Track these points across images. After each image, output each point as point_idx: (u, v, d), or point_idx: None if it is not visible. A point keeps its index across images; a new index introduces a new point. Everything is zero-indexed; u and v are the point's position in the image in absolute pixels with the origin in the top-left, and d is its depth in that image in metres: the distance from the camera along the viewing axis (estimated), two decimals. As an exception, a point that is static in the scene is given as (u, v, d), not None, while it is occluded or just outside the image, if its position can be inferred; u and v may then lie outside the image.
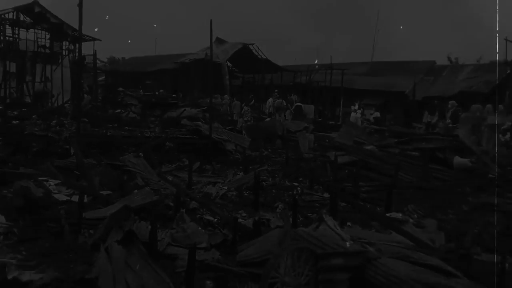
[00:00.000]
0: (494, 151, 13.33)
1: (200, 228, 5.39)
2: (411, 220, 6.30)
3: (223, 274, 3.78)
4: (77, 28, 11.13)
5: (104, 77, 32.43)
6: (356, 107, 21.64)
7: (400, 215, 6.75)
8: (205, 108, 15.77)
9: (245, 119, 19.03)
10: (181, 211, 5.62)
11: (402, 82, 25.15)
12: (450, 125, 15.89)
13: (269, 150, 13.84)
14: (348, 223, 5.54)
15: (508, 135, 15.13)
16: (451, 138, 12.18)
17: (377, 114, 22.70)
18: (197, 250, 4.67)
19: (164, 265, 4.43)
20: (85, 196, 6.11)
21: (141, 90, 24.53)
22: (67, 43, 27.30)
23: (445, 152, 11.37)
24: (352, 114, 21.31)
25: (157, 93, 23.74)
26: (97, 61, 23.65)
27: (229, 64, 31.12)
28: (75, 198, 6.26)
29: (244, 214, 6.58)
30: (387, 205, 7.07)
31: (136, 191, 6.98)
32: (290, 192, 8.17)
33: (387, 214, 6.72)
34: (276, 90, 22.99)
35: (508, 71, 20.04)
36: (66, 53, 27.38)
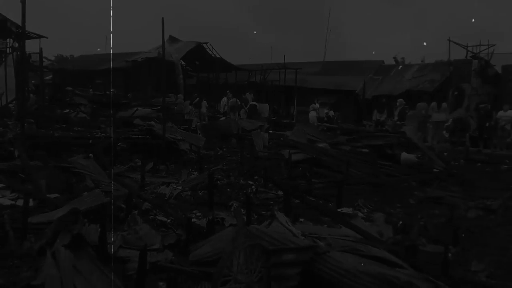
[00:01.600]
0: (439, 147, 14.08)
1: (152, 229, 5.31)
2: (360, 214, 6.52)
3: (176, 275, 3.74)
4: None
5: (51, 76, 31.05)
6: (317, 105, 22.04)
7: (351, 209, 6.98)
8: (159, 107, 15.51)
9: (191, 117, 18.91)
10: (133, 213, 5.51)
11: (353, 81, 25.89)
12: (398, 123, 16.58)
13: (224, 149, 13.84)
14: (301, 219, 5.65)
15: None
16: (399, 135, 12.73)
17: (332, 112, 23.28)
18: (150, 251, 4.61)
19: (115, 268, 4.33)
20: (31, 199, 5.85)
21: (91, 89, 23.74)
22: (11, 40, 25.87)
23: (393, 148, 11.87)
24: (312, 112, 21.67)
25: (108, 92, 23.06)
26: (44, 59, 22.61)
27: (183, 63, 30.74)
28: (20, 202, 5.98)
29: (199, 214, 6.56)
30: (338, 201, 7.27)
31: (85, 193, 6.76)
32: (244, 191, 8.21)
33: (339, 209, 6.93)
34: (228, 91, 23.03)
35: (451, 70, 21.11)
36: (10, 51, 25.95)
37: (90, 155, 8.90)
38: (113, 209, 6.25)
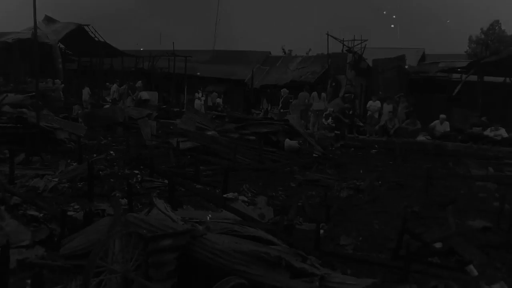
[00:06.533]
0: (318, 134, 15.14)
1: (21, 224, 4.87)
2: (242, 198, 6.76)
3: (46, 271, 3.50)
4: None
5: None
6: (200, 94, 22.08)
7: (236, 194, 7.20)
8: (33, 93, 14.13)
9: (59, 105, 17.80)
10: (-2, 208, 4.99)
11: (242, 70, 26.45)
12: (282, 111, 17.42)
13: (109, 138, 13.20)
14: (185, 206, 5.67)
15: (330, 120, 17.24)
16: (283, 122, 13.40)
17: (220, 100, 23.52)
18: (18, 248, 4.24)
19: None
20: None
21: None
22: None
23: (278, 135, 12.49)
24: (196, 101, 21.69)
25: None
26: None
27: (61, 46, 28.32)
28: None
29: (77, 207, 6.19)
30: (224, 187, 7.43)
31: None
32: (130, 180, 7.94)
33: (224, 195, 7.09)
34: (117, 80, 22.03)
35: (329, 63, 22.71)
36: None
37: None
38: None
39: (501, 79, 20.82)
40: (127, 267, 3.15)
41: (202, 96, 21.83)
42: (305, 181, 8.92)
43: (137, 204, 6.27)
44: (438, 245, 5.35)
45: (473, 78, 19.10)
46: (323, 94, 17.47)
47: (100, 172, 8.31)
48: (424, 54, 26.71)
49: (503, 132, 14.09)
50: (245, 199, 7.19)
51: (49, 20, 27.95)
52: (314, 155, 11.57)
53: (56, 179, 7.59)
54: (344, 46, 21.87)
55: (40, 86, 13.84)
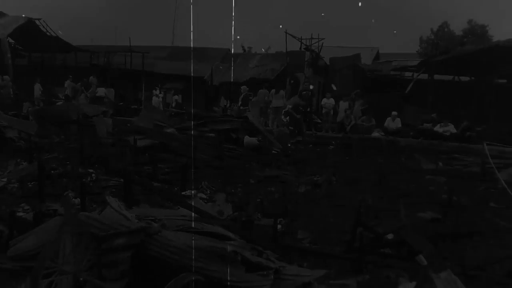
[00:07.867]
0: (277, 130, 15.29)
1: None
2: (201, 195, 6.74)
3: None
4: None
5: None
6: (158, 91, 21.75)
7: (195, 191, 7.16)
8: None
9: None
10: None
11: (201, 67, 26.18)
12: (241, 108, 17.45)
13: (62, 136, 12.75)
14: (141, 204, 5.59)
15: (288, 117, 17.44)
16: (242, 119, 13.43)
17: (178, 97, 23.25)
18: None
19: None
20: None
21: None
22: None
23: (237, 132, 12.51)
24: (154, 98, 21.36)
25: None
26: None
27: (11, 40, 26.96)
28: None
29: (27, 207, 5.96)
30: (183, 184, 7.38)
31: None
32: (83, 180, 7.71)
33: (183, 192, 7.04)
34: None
35: (288, 61, 22.96)
36: None
37: None
38: None
39: (450, 77, 21.79)
40: (79, 267, 3.07)
41: (160, 93, 21.47)
42: (264, 178, 8.99)
43: (91, 203, 6.12)
44: (390, 236, 5.54)
45: (424, 76, 19.88)
46: (282, 92, 17.63)
47: (52, 172, 8.03)
48: (378, 53, 27.54)
49: (451, 128, 14.78)
50: (204, 196, 7.18)
51: (-4, 13, 26.55)
52: (273, 151, 11.68)
53: (5, 179, 7.32)
54: (302, 44, 22.15)
55: (-13, 82, 13.21)
